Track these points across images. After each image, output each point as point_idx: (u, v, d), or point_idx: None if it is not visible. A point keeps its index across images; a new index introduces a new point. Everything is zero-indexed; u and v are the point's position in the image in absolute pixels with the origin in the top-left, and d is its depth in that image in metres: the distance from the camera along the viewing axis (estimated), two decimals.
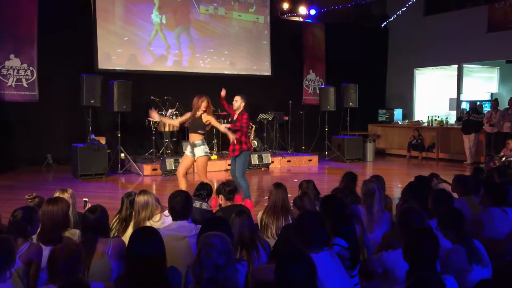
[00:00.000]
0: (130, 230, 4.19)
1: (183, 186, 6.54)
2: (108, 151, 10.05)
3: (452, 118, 14.18)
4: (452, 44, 14.13)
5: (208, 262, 2.42)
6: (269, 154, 11.34)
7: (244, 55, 13.52)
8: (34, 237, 3.54)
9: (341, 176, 5.44)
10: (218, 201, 4.96)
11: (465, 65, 14.47)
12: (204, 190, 4.90)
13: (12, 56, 10.58)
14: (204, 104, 6.70)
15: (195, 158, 6.63)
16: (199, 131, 6.66)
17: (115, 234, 4.17)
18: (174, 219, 3.67)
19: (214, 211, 4.85)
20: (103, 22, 11.52)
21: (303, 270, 2.35)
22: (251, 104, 13.00)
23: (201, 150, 6.60)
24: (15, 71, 10.63)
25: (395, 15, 15.50)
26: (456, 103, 14.51)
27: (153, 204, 4.27)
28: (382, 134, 14.72)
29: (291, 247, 2.69)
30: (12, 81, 10.62)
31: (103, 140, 10.50)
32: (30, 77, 10.79)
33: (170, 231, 3.48)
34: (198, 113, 6.69)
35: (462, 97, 14.41)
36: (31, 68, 10.79)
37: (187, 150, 6.76)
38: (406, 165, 12.41)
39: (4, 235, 3.09)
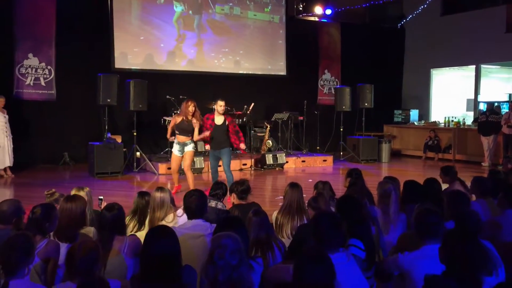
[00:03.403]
0: (147, 228, 4.21)
1: (176, 178, 7.95)
2: (124, 149, 10.13)
3: (469, 119, 14.01)
4: (470, 44, 13.97)
5: (222, 263, 2.43)
6: (284, 154, 11.33)
7: (259, 55, 13.52)
8: (51, 234, 3.58)
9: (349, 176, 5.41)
10: (231, 200, 4.95)
11: (483, 66, 14.29)
12: (219, 189, 4.89)
13: (30, 55, 10.73)
14: (190, 109, 7.53)
15: (183, 154, 7.66)
16: (189, 135, 7.58)
17: (132, 230, 4.19)
18: (189, 217, 3.68)
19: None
20: (119, 22, 11.61)
21: (324, 271, 2.34)
22: (266, 104, 13.13)
23: (190, 147, 7.65)
24: (34, 70, 10.78)
25: (411, 15, 15.38)
26: (473, 104, 14.34)
27: (168, 203, 4.29)
28: (397, 135, 14.61)
29: (312, 248, 2.68)
30: (31, 80, 10.76)
31: (119, 139, 10.59)
32: (48, 76, 10.93)
33: (186, 230, 3.49)
34: (189, 118, 7.54)
35: (480, 98, 14.23)
36: (49, 67, 10.93)
37: (176, 149, 7.68)
38: (422, 166, 12.29)
39: (23, 231, 3.14)
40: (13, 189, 8.51)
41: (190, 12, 12.49)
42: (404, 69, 16.22)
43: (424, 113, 15.46)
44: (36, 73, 10.81)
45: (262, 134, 11.88)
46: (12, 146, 9.50)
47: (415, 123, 14.56)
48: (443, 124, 13.95)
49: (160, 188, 4.37)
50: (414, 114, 14.98)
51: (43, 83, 10.89)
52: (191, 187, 7.53)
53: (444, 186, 5.52)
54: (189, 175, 7.72)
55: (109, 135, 10.05)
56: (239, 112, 11.69)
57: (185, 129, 7.55)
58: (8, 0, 10.42)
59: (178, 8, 12.29)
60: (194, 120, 7.54)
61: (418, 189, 4.48)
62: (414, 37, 15.77)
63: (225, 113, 7.93)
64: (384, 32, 15.55)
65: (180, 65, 12.44)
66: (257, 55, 13.49)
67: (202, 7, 12.64)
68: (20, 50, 10.64)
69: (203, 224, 3.58)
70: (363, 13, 15.20)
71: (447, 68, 15.35)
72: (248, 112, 11.66)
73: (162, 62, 12.22)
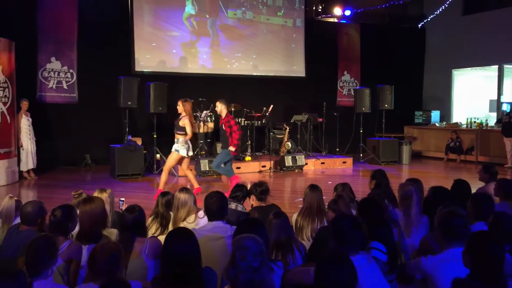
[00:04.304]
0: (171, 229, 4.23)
1: (190, 176, 7.84)
2: (144, 151, 10.24)
3: (492, 120, 13.77)
4: (492, 44, 13.74)
5: (244, 264, 2.42)
6: (303, 156, 11.29)
7: (272, 59, 13.46)
8: (73, 233, 3.62)
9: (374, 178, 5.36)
10: (249, 202, 4.94)
11: (506, 66, 14.03)
12: (240, 192, 4.89)
13: (53, 59, 10.91)
14: (179, 109, 7.67)
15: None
16: (178, 132, 7.61)
17: (155, 233, 4.20)
18: (209, 219, 3.69)
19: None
20: (135, 28, 11.70)
21: (346, 274, 2.32)
22: (285, 105, 13.11)
23: (173, 147, 7.61)
24: (56, 73, 10.96)
25: (432, 15, 15.20)
26: (496, 104, 14.09)
27: (191, 204, 4.32)
28: (418, 136, 14.44)
29: (334, 250, 2.66)
30: (53, 83, 10.95)
31: (139, 141, 10.69)
32: (70, 79, 11.10)
33: (206, 232, 3.50)
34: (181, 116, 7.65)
35: (503, 99, 13.97)
36: (71, 71, 11.10)
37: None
38: (444, 168, 12.13)
39: (46, 233, 3.18)
40: (36, 191, 8.66)
41: (206, 16, 12.54)
42: (425, 70, 16.03)
43: (446, 114, 15.25)
44: (58, 77, 10.99)
45: (281, 136, 11.86)
46: (35, 148, 9.68)
47: (437, 124, 14.37)
48: (465, 125, 13.74)
49: (184, 189, 4.42)
50: (435, 115, 14.79)
51: (65, 86, 11.07)
52: (160, 188, 7.58)
53: (480, 184, 5.47)
54: (163, 177, 7.69)
55: (129, 137, 10.15)
56: (258, 114, 11.70)
57: (176, 126, 7.72)
58: (31, 5, 10.62)
59: (189, 8, 12.31)
60: (183, 119, 7.56)
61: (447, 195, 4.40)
62: (435, 37, 15.57)
63: (230, 114, 8.23)
64: (404, 32, 15.40)
65: (197, 68, 12.46)
66: (270, 59, 13.43)
67: (214, 12, 12.66)
68: (43, 54, 10.83)
69: (223, 226, 3.58)
70: (383, 13, 15.07)
71: (469, 68, 15.12)
72: (267, 114, 11.66)
73: (177, 66, 12.25)
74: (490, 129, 12.89)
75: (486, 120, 13.58)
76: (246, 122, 11.56)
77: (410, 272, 3.20)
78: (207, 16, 12.59)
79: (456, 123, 14.29)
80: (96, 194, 4.18)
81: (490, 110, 14.44)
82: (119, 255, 2.75)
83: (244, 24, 13.08)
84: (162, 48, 12.11)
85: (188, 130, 7.51)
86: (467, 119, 13.79)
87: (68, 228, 3.43)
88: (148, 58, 11.94)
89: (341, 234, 2.88)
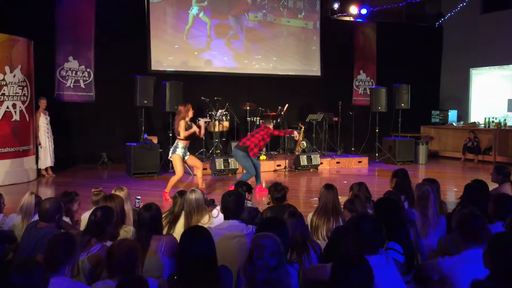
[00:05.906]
0: (179, 228, 4.21)
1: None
2: (160, 150, 10.29)
3: (510, 119, 13.56)
4: (511, 43, 13.52)
5: (261, 263, 2.42)
6: (318, 155, 11.25)
7: (292, 61, 13.44)
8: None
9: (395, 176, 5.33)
10: (266, 200, 4.92)
11: None
12: (240, 188, 4.88)
13: (70, 58, 11.03)
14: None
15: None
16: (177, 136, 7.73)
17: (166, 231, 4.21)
18: (226, 218, 3.70)
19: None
20: (154, 30, 11.78)
21: (361, 274, 2.30)
22: (300, 104, 13.09)
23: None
24: (74, 72, 11.09)
25: (450, 14, 15.02)
26: None
27: (203, 204, 4.22)
28: (435, 136, 14.29)
29: (349, 250, 2.65)
30: (71, 82, 11.08)
31: (155, 140, 10.76)
32: (87, 78, 11.22)
33: (222, 230, 3.51)
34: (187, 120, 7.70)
35: None
36: (88, 70, 11.21)
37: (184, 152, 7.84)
38: (461, 168, 11.99)
39: (67, 231, 3.21)
40: (54, 189, 8.77)
41: (227, 18, 12.56)
42: (442, 69, 15.85)
43: (463, 114, 15.07)
44: (76, 76, 11.11)
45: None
46: (53, 146, 9.80)
47: (454, 124, 14.21)
48: (483, 125, 13.56)
49: (193, 190, 4.27)
50: (452, 114, 14.63)
51: (82, 85, 11.19)
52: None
53: (493, 186, 5.40)
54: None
55: (145, 136, 10.22)
56: (273, 113, 11.67)
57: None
58: (49, 5, 10.75)
59: (210, 11, 12.35)
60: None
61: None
62: (452, 36, 15.39)
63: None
64: (421, 31, 15.25)
65: (214, 68, 12.50)
66: (290, 61, 13.42)
67: (235, 15, 12.67)
68: (61, 53, 10.96)
69: (239, 225, 3.59)
70: (400, 12, 14.93)
71: (487, 67, 14.92)
72: (282, 113, 11.63)
73: (196, 67, 12.30)
74: (509, 129, 12.70)
75: (505, 119, 13.37)
76: (261, 121, 11.54)
77: (427, 273, 3.17)
78: (229, 18, 12.62)
79: (474, 122, 14.12)
80: (114, 192, 4.20)
81: (509, 110, 14.20)
82: (136, 252, 2.77)
83: (265, 26, 13.08)
84: (183, 50, 12.16)
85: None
86: (485, 118, 13.60)
87: (105, 230, 3.40)
88: (170, 59, 12.02)
89: (362, 235, 2.84)
